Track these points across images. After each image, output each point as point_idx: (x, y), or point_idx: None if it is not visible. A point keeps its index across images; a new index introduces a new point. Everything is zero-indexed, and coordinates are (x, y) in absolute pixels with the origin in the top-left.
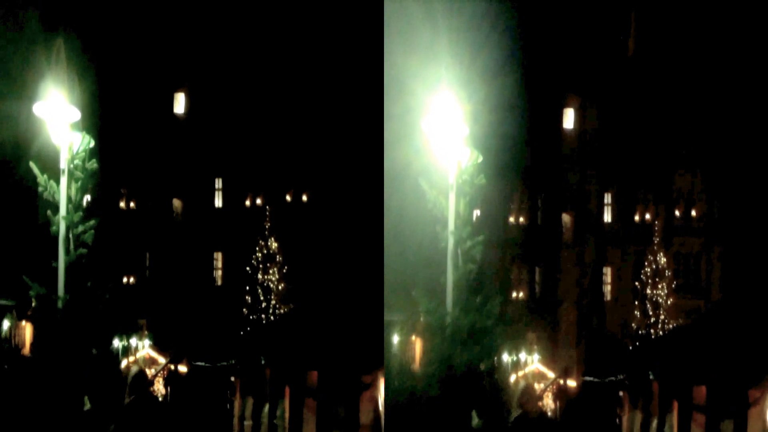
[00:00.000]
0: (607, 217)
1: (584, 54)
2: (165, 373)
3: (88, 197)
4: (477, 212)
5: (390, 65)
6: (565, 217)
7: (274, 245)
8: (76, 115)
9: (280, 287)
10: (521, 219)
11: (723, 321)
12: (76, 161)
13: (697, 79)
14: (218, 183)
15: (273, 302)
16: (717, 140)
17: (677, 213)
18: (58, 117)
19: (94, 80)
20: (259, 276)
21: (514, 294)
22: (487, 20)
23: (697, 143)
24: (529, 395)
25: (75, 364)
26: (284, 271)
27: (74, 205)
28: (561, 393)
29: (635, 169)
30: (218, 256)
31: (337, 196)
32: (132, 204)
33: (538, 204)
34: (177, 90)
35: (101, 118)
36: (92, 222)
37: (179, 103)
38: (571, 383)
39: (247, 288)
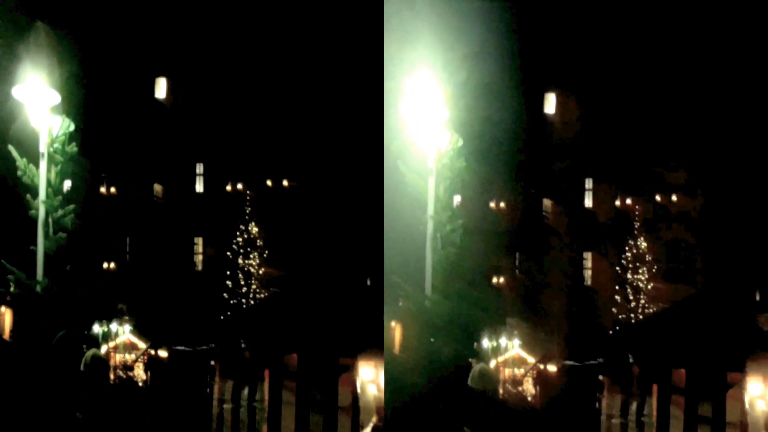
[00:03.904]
0: (589, 202)
1: (569, 40)
2: (145, 358)
3: (68, 182)
4: (458, 197)
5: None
6: (547, 203)
7: (255, 230)
8: (55, 98)
9: (260, 272)
10: (502, 204)
11: (703, 305)
12: (56, 145)
13: (685, 67)
14: (199, 168)
15: (253, 287)
16: (705, 129)
17: (659, 199)
18: (38, 100)
19: (74, 64)
20: (240, 261)
21: (495, 280)
22: (469, 3)
23: (684, 130)
24: (488, 378)
25: (55, 349)
26: (265, 256)
27: (54, 189)
28: (541, 378)
29: (619, 156)
30: (199, 241)
31: (318, 183)
32: (112, 189)
33: (519, 189)
34: (158, 75)
35: (81, 103)
36: (72, 207)
37: (160, 88)
38: (552, 368)
39: (228, 273)
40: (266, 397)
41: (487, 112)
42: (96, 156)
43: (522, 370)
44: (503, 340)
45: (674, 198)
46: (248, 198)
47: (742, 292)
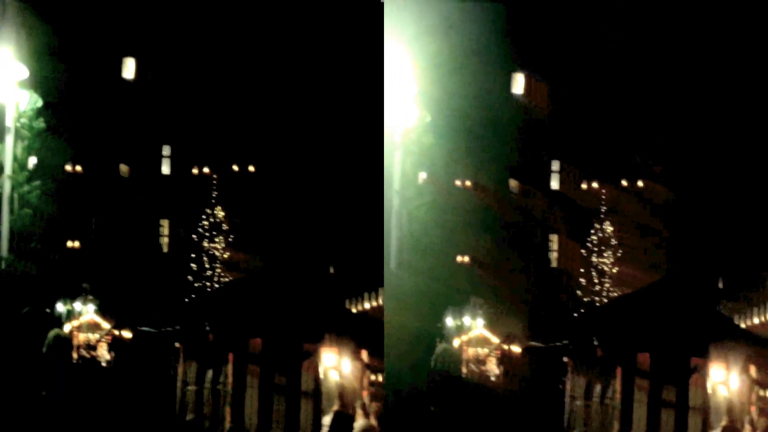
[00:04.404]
0: (555, 184)
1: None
2: (109, 338)
3: (33, 158)
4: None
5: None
6: (513, 183)
7: (221, 214)
8: (23, 72)
9: (225, 256)
10: (467, 182)
11: (667, 291)
12: (23, 120)
13: (657, 54)
14: (166, 150)
15: (218, 270)
16: (674, 116)
17: (625, 183)
18: (5, 73)
19: (43, 38)
20: (205, 244)
21: (461, 258)
22: None
23: (653, 116)
24: (451, 358)
25: (18, 327)
26: (230, 240)
27: (20, 164)
28: (505, 358)
29: (587, 139)
30: (165, 223)
31: (285, 168)
32: (78, 167)
33: (488, 168)
34: (126, 54)
35: (50, 79)
36: (38, 183)
37: (128, 68)
38: (516, 349)
39: (193, 255)
40: (230, 381)
41: (458, 89)
42: (63, 133)
43: (486, 350)
44: (467, 319)
45: (640, 183)
46: (214, 181)
47: (706, 279)
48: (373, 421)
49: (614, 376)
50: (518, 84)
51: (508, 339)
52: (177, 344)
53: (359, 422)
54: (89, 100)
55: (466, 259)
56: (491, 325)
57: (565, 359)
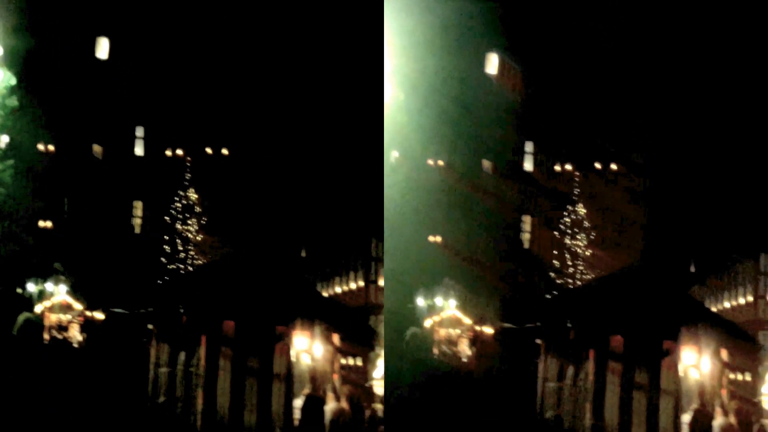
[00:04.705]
0: (528, 166)
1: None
2: (81, 319)
3: (6, 137)
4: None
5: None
6: (486, 163)
7: (194, 197)
8: None
9: (198, 238)
10: (440, 162)
11: (641, 274)
12: None
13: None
14: (139, 131)
15: (191, 252)
16: (649, 101)
17: (599, 166)
18: None
19: (17, 18)
20: (178, 226)
21: (432, 238)
22: None
23: (629, 101)
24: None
25: None
26: (203, 222)
27: None
28: (477, 339)
29: (561, 121)
30: (138, 205)
31: (258, 151)
32: (51, 147)
33: (460, 148)
34: (100, 34)
35: (24, 58)
36: (11, 162)
37: (102, 48)
38: (488, 330)
39: (166, 237)
40: (203, 363)
41: (432, 68)
42: (36, 112)
43: (458, 331)
44: (439, 300)
45: (613, 167)
46: (188, 164)
47: (678, 263)
48: (344, 404)
49: (587, 359)
50: (492, 65)
51: (480, 320)
52: (150, 326)
53: (330, 405)
54: (63, 79)
55: (439, 239)
56: (463, 307)
57: (538, 341)
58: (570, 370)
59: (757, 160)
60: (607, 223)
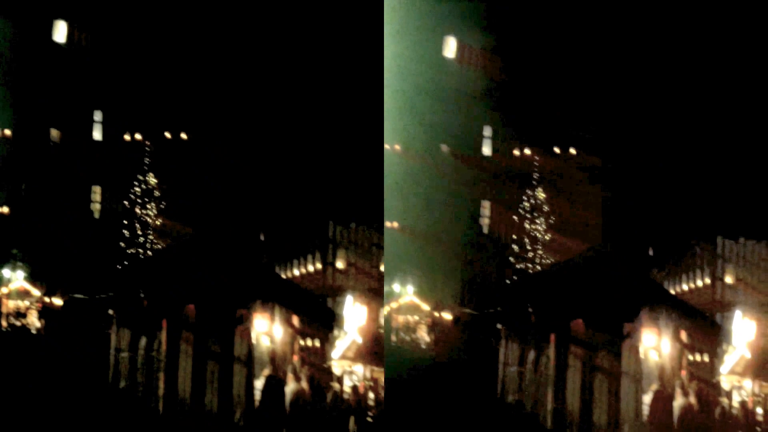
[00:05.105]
0: (487, 150)
1: None
2: (39, 305)
3: None
4: None
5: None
6: (444, 147)
7: (153, 181)
8: None
9: (158, 222)
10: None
11: (601, 258)
12: None
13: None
14: (98, 116)
15: (151, 237)
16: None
17: (558, 150)
18: None
19: None
20: (138, 211)
21: (389, 224)
22: None
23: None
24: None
25: None
26: (162, 206)
27: None
28: (437, 325)
29: (520, 105)
30: (96, 190)
31: (216, 135)
32: (7, 132)
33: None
34: (58, 17)
35: None
36: None
37: (59, 32)
38: (447, 316)
39: (125, 222)
40: (164, 347)
41: (390, 51)
42: None
43: (416, 317)
44: (396, 287)
45: (573, 151)
46: (147, 148)
47: (638, 247)
48: (305, 385)
49: (548, 343)
50: (450, 48)
51: (439, 306)
52: (110, 311)
53: (290, 386)
54: (20, 63)
55: (396, 224)
56: (422, 293)
57: (499, 326)
58: (531, 355)
59: (714, 143)
60: (567, 207)
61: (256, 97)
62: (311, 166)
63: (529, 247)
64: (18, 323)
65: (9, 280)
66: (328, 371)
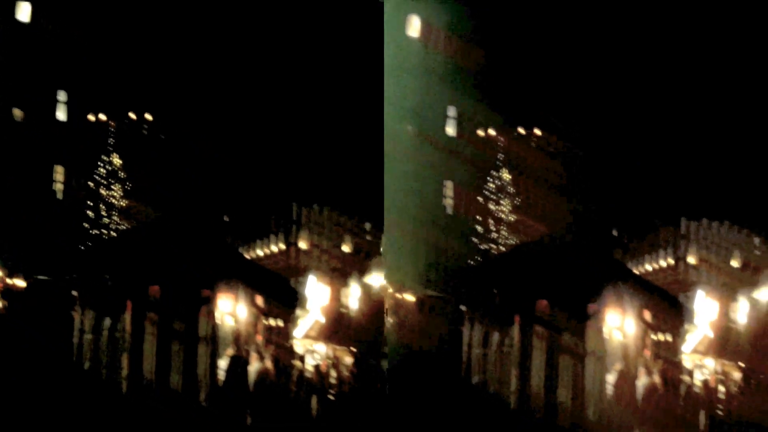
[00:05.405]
0: (451, 131)
1: None
2: (1, 286)
3: None
4: None
5: None
6: (408, 128)
7: (118, 162)
8: None
9: (122, 203)
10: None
11: (565, 238)
12: None
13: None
14: (62, 96)
15: (115, 218)
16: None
17: (522, 131)
18: None
19: None
20: (102, 191)
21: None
22: None
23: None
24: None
25: None
26: (127, 187)
27: None
28: (399, 308)
29: (485, 85)
30: (59, 170)
31: (180, 116)
32: None
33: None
34: None
35: None
36: None
37: (23, 11)
38: (409, 298)
39: (89, 203)
40: (128, 328)
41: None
42: None
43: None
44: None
45: (537, 132)
46: (111, 129)
47: (601, 226)
48: (268, 364)
49: (512, 324)
50: (414, 28)
51: (401, 288)
52: (74, 293)
53: (254, 365)
54: None
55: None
56: (383, 274)
57: (463, 308)
58: (495, 336)
59: (677, 124)
60: (531, 188)
61: (219, 77)
62: (275, 147)
63: (493, 228)
64: None
65: None
66: (291, 350)
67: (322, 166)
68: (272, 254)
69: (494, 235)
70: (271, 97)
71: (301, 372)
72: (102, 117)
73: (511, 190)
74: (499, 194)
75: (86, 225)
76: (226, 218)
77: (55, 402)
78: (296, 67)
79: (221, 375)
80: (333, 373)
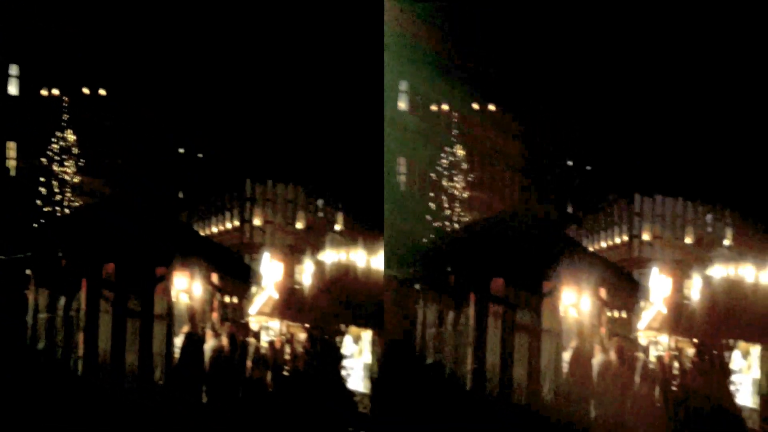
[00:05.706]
0: (404, 105)
1: None
2: None
3: None
4: None
5: None
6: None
7: (71, 137)
8: None
9: (75, 180)
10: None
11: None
12: None
13: None
14: (14, 70)
15: (68, 195)
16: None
17: (476, 106)
18: None
19: None
20: (55, 168)
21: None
22: None
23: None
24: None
25: None
26: (80, 164)
27: None
28: None
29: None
30: (12, 146)
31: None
32: None
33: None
34: None
35: None
36: None
37: None
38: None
39: (42, 180)
40: (83, 307)
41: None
42: None
43: None
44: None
45: (492, 107)
46: (64, 104)
47: (556, 204)
48: (224, 341)
49: (467, 303)
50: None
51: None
52: (27, 271)
53: (209, 343)
54: None
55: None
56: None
57: (418, 287)
58: (450, 315)
59: (632, 100)
60: (485, 164)
61: (175, 51)
62: (229, 122)
63: (447, 206)
64: None
65: None
66: (246, 327)
67: (284, 143)
68: (227, 231)
69: (448, 211)
70: (226, 75)
71: (257, 348)
72: (55, 92)
73: (465, 166)
74: (453, 170)
75: (39, 202)
76: (180, 195)
77: (9, 382)
78: (248, 40)
79: (177, 353)
80: (287, 349)
